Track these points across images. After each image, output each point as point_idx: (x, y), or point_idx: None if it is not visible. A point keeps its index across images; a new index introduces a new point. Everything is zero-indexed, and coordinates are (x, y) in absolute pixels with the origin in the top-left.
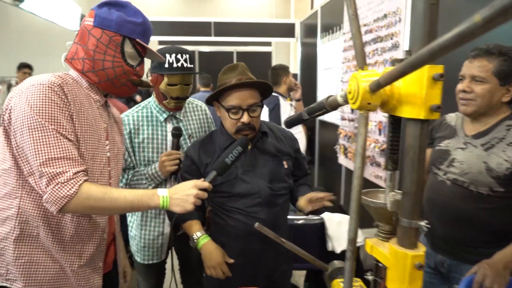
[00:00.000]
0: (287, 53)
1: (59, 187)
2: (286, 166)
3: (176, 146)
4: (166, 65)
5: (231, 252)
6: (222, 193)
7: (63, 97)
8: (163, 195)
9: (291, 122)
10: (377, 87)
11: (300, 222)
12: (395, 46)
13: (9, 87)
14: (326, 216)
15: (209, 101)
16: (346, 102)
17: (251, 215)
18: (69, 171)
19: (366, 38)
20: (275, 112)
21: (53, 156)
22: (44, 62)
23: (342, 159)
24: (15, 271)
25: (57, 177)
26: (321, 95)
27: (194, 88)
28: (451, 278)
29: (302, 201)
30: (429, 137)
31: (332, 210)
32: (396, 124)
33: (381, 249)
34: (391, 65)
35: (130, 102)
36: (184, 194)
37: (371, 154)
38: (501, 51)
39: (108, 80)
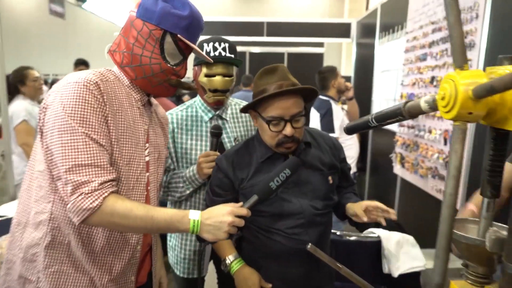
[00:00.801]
0: (339, 55)
1: (82, 198)
2: (331, 182)
3: (215, 146)
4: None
5: (269, 275)
6: (259, 212)
7: (98, 96)
8: (194, 219)
9: (353, 129)
10: (486, 92)
11: (352, 238)
12: (470, 46)
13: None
14: (383, 234)
15: (244, 110)
16: (433, 109)
17: (293, 237)
18: (95, 180)
19: (434, 37)
20: (327, 118)
21: (80, 162)
22: (104, 63)
23: (397, 169)
24: (44, 280)
25: (82, 186)
26: (376, 99)
27: (238, 83)
28: None
29: (357, 208)
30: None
31: (389, 228)
32: (501, 139)
33: None
34: (494, 65)
35: (179, 101)
36: (218, 220)
37: (434, 165)
38: None
39: (144, 78)
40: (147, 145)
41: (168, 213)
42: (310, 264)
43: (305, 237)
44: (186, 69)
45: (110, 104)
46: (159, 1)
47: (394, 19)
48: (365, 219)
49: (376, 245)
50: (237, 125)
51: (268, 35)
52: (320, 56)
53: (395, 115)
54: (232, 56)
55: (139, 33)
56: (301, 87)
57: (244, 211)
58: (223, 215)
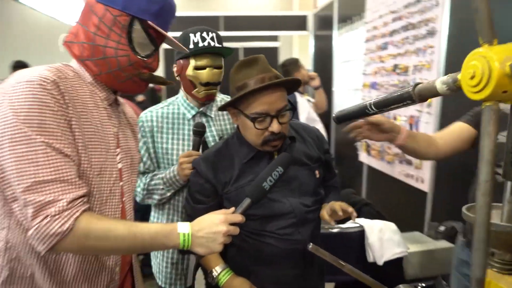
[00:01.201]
0: (294, 48)
1: (48, 221)
2: (318, 175)
3: (198, 146)
4: (191, 46)
5: (261, 280)
6: (248, 216)
7: (58, 97)
8: (184, 233)
9: (346, 117)
10: None
11: (335, 231)
12: (431, 33)
13: None
14: (366, 223)
15: (223, 108)
16: (452, 91)
17: (285, 238)
18: (62, 198)
19: (394, 26)
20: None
21: (41, 178)
22: (44, 61)
23: (364, 157)
24: None
25: (47, 207)
26: (338, 90)
27: (226, 76)
28: None
29: (324, 214)
30: (472, 119)
31: (370, 216)
32: None
33: (502, 285)
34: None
35: (131, 103)
36: (211, 231)
37: (401, 151)
38: None
39: (110, 72)
40: (118, 150)
41: (153, 228)
42: (303, 265)
43: (298, 236)
44: (158, 61)
45: (73, 106)
46: None
47: (351, 10)
48: (332, 223)
49: (360, 235)
50: (222, 123)
51: (226, 29)
52: (275, 50)
53: (402, 99)
54: (221, 46)
55: (101, 20)
56: (286, 79)
57: (239, 218)
58: (216, 225)
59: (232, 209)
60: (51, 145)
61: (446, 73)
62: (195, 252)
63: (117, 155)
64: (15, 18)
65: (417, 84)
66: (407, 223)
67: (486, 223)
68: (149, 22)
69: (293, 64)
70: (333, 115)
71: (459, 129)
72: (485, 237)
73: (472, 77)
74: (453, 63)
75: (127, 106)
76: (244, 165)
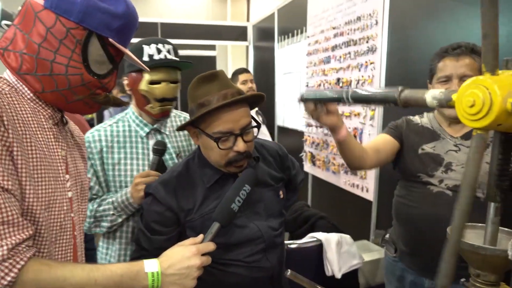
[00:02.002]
0: (229, 57)
1: None
2: (282, 196)
3: (157, 165)
4: (145, 58)
5: None
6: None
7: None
8: (152, 272)
9: (315, 99)
10: None
11: (294, 246)
12: (371, 50)
13: None
14: (324, 237)
15: (182, 128)
16: (441, 106)
17: (253, 265)
18: (2, 245)
19: (336, 41)
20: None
21: None
22: None
23: (308, 167)
24: None
25: None
26: (280, 101)
27: (184, 92)
28: None
29: None
30: (394, 132)
31: (327, 229)
32: (510, 143)
33: None
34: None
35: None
36: (183, 266)
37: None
38: (480, 49)
39: (57, 91)
40: (67, 176)
41: (116, 271)
42: None
43: (266, 263)
44: (115, 81)
45: (13, 128)
46: None
47: (292, 24)
48: None
49: (318, 249)
50: (178, 139)
51: (163, 37)
52: (213, 59)
53: (385, 100)
54: (178, 59)
55: (50, 31)
56: (252, 95)
57: (211, 246)
58: (188, 259)
59: (201, 237)
60: None
61: (386, 87)
62: None
63: (66, 181)
64: None
65: (403, 89)
66: (353, 231)
67: (458, 242)
68: (110, 40)
69: (232, 76)
70: (301, 93)
71: (384, 141)
72: (454, 252)
73: (472, 106)
74: (392, 78)
75: (72, 123)
76: (208, 190)
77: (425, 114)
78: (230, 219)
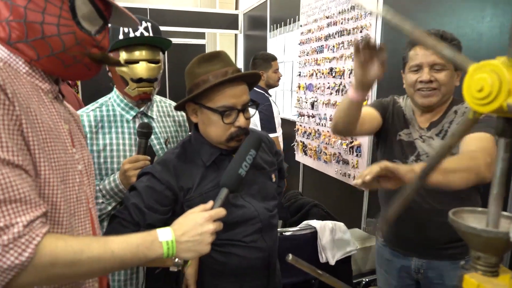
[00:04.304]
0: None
1: (1, 252)
2: (274, 180)
3: (144, 149)
4: (121, 36)
5: None
6: None
7: (2, 97)
8: (167, 241)
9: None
10: None
11: (288, 233)
12: None
13: None
14: (318, 225)
15: (181, 106)
16: None
17: (251, 245)
18: (17, 222)
19: (329, 30)
20: (267, 115)
21: None
22: None
23: (300, 157)
24: None
25: None
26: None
27: (171, 78)
28: (428, 280)
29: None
30: (380, 108)
31: (320, 217)
32: None
33: (491, 287)
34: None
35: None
36: (197, 232)
37: (338, 151)
38: (451, 36)
39: (53, 55)
40: (74, 150)
41: (131, 241)
42: (265, 275)
43: (262, 243)
44: (108, 38)
45: (18, 102)
46: None
47: (285, 13)
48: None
49: (312, 237)
50: (166, 124)
51: None
52: (202, 47)
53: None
54: (157, 37)
55: None
56: (252, 72)
57: (223, 212)
58: (201, 225)
59: (211, 203)
60: None
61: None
62: (181, 258)
63: (74, 154)
64: None
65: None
66: (346, 220)
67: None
68: None
69: (264, 59)
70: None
71: (370, 115)
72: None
73: (481, 90)
74: (385, 68)
75: (65, 102)
76: (206, 169)
77: (405, 96)
78: (238, 184)
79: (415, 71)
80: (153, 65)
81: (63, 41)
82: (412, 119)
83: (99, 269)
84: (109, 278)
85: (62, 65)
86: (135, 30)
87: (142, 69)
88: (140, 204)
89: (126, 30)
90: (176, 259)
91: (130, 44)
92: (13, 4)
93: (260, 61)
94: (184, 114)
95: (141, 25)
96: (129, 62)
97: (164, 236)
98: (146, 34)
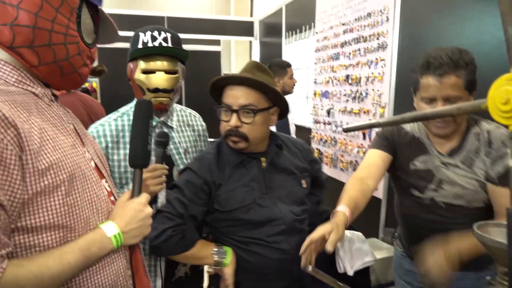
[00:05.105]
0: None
1: None
2: (305, 186)
3: (162, 158)
4: (140, 46)
5: None
6: (235, 221)
7: None
8: (114, 234)
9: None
10: None
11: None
12: (382, 47)
13: None
14: None
15: (212, 92)
16: None
17: (273, 246)
18: None
19: (346, 37)
20: (282, 121)
21: None
22: None
23: None
24: None
25: None
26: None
27: (188, 87)
28: None
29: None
30: (386, 144)
31: None
32: None
33: None
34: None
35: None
36: (139, 219)
37: (355, 159)
38: (465, 59)
39: (54, 63)
40: (84, 149)
41: (83, 246)
42: (289, 277)
43: (286, 245)
44: (97, 51)
45: (19, 120)
46: None
47: (300, 20)
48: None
49: None
50: (185, 134)
51: None
52: (217, 54)
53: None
54: (174, 47)
55: (46, 0)
56: (245, 77)
57: (147, 195)
58: (141, 211)
59: (129, 192)
60: None
61: (397, 85)
62: (129, 245)
63: (85, 153)
64: None
65: None
66: (363, 229)
67: None
68: (100, 7)
69: (279, 66)
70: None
71: (380, 159)
72: None
73: (506, 103)
74: (403, 75)
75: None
76: (233, 169)
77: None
78: (148, 158)
79: (429, 102)
80: (170, 75)
81: (68, 49)
82: (428, 144)
83: (61, 281)
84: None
85: (61, 73)
86: (154, 40)
87: (158, 79)
88: (182, 197)
89: (145, 40)
90: (216, 257)
91: (149, 53)
92: (22, 9)
93: (276, 68)
94: (204, 124)
95: (159, 35)
96: (146, 72)
97: (110, 231)
98: (164, 44)
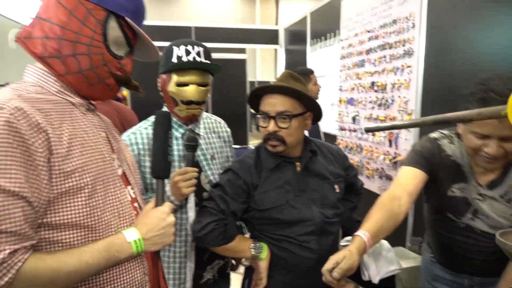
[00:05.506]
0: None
1: None
2: (338, 191)
3: (192, 161)
4: (174, 60)
5: (272, 286)
6: (269, 220)
7: (24, 126)
8: (134, 240)
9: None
10: None
11: None
12: (408, 53)
13: None
14: None
15: (250, 102)
16: None
17: (303, 245)
18: (4, 249)
19: (371, 44)
20: (314, 127)
21: None
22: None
23: None
24: None
25: None
26: None
27: (213, 95)
28: None
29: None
30: (425, 164)
31: None
32: None
33: None
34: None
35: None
36: (161, 227)
37: (381, 166)
38: (499, 92)
39: (79, 73)
40: (114, 156)
41: (102, 248)
42: (317, 276)
43: (315, 245)
44: (132, 64)
45: (51, 125)
46: None
47: (325, 27)
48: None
49: None
50: (211, 141)
51: (196, 40)
52: (243, 62)
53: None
54: (208, 62)
55: (72, 14)
56: (280, 86)
57: (171, 205)
58: (164, 220)
59: (153, 200)
60: (0, 187)
61: (424, 91)
62: (149, 251)
63: (113, 160)
64: None
65: None
66: (389, 238)
67: None
68: (127, 19)
69: (303, 75)
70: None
71: (416, 179)
72: None
73: None
74: (430, 82)
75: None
76: (270, 172)
77: (455, 139)
78: (169, 169)
79: (480, 138)
80: (202, 88)
81: (92, 59)
82: (469, 173)
83: (77, 280)
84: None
85: (87, 83)
86: (188, 54)
87: (192, 92)
88: (224, 195)
89: (179, 54)
90: (253, 251)
91: (183, 67)
92: (52, 24)
93: (300, 77)
94: (228, 130)
95: (193, 49)
96: (180, 84)
97: (131, 236)
98: (198, 58)
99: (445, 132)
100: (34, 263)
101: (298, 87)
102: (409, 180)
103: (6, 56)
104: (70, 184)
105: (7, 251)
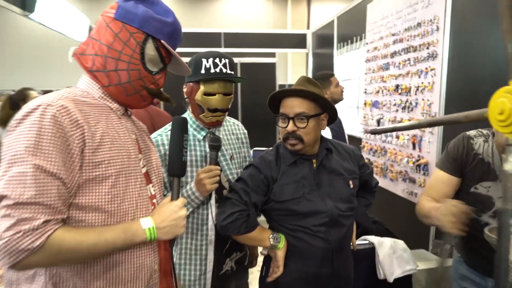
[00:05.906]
0: (289, 64)
1: (20, 237)
2: (352, 186)
3: (215, 160)
4: (202, 71)
5: (290, 274)
6: (286, 211)
7: (66, 121)
8: (148, 227)
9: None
10: None
11: None
12: (432, 56)
13: (13, 102)
14: (376, 240)
15: (271, 105)
16: None
17: (317, 235)
18: (40, 218)
19: (395, 48)
20: (339, 132)
21: (24, 200)
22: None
23: None
24: None
25: (21, 223)
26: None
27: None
28: None
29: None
30: (455, 167)
31: (380, 233)
32: None
33: None
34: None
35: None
36: (173, 219)
37: (404, 169)
38: None
39: (119, 85)
40: (140, 156)
41: (120, 230)
42: (331, 266)
43: (328, 236)
44: (165, 79)
45: (88, 124)
46: (140, 5)
47: (351, 31)
48: None
49: (370, 252)
50: (230, 142)
51: (226, 46)
52: (272, 66)
53: None
54: (232, 73)
55: (117, 36)
56: (297, 89)
57: (184, 200)
58: (176, 212)
59: (170, 195)
60: (42, 167)
61: (447, 94)
62: (162, 239)
63: (139, 160)
64: (28, 34)
65: None
66: (412, 240)
67: None
68: (162, 41)
69: (323, 79)
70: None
71: (449, 184)
72: None
73: (501, 113)
74: (454, 85)
75: (134, 118)
76: (288, 167)
77: (490, 138)
78: (184, 168)
79: None
80: (227, 97)
81: (130, 75)
82: (497, 167)
83: (96, 253)
84: (179, 278)
85: (125, 93)
86: (215, 66)
87: (218, 100)
88: (246, 188)
89: (207, 65)
90: (272, 241)
91: (210, 79)
92: (101, 43)
93: (320, 81)
94: (245, 131)
95: (220, 61)
96: (207, 94)
97: (146, 224)
98: (224, 70)
99: (483, 130)
100: (62, 234)
101: (314, 90)
102: (442, 186)
103: (51, 64)
104: (97, 173)
105: (42, 220)
